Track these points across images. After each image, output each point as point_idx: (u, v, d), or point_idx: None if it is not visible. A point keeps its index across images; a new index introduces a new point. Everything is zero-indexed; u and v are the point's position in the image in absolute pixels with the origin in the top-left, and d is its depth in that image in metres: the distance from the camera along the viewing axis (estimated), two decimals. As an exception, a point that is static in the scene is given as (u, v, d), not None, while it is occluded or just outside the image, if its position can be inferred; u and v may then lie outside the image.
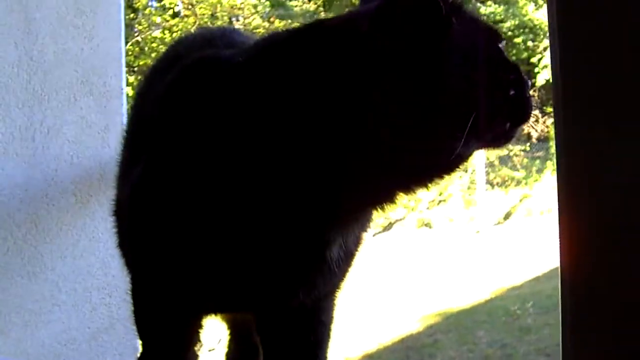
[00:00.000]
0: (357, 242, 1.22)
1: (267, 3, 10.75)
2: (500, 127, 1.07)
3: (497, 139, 1.11)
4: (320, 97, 1.02)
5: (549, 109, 5.82)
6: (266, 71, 1.08)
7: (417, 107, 0.98)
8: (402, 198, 1.09)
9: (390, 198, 1.08)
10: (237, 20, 10.63)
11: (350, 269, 1.25)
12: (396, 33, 0.98)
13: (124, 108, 2.40)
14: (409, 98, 0.98)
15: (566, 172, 0.98)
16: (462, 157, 1.05)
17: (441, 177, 1.08)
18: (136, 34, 10.34)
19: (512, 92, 1.06)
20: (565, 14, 0.97)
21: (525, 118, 1.10)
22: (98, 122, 2.34)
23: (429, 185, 1.09)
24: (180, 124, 1.13)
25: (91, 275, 2.32)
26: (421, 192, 1.11)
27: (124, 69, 2.40)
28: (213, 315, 1.35)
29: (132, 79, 9.49)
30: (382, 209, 1.11)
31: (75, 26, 2.33)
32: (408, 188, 1.07)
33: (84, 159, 2.32)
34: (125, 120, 2.38)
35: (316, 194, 1.05)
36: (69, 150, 2.30)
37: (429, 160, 1.04)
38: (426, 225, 7.78)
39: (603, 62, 0.94)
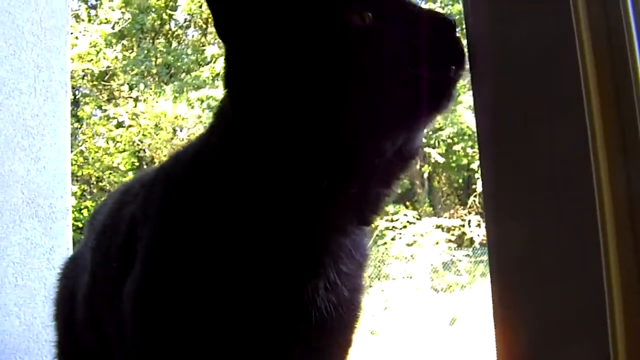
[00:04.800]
0: (354, 288, 1.20)
1: (211, 114, 10.83)
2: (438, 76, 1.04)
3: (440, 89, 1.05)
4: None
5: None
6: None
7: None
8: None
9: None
10: (181, 130, 10.73)
11: (350, 324, 1.23)
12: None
13: (69, 229, 2.41)
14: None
15: (496, 270, 1.03)
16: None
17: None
18: (80, 144, 10.35)
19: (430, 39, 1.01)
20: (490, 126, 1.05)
21: (455, 60, 1.04)
22: (43, 244, 2.34)
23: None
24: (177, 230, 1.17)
25: (33, 401, 2.27)
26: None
27: (70, 190, 2.42)
28: None
29: (75, 188, 9.45)
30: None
31: (22, 148, 2.36)
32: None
33: (29, 280, 2.31)
34: (70, 241, 2.39)
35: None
36: (14, 272, 2.28)
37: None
38: (372, 333, 7.74)
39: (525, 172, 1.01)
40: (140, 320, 1.20)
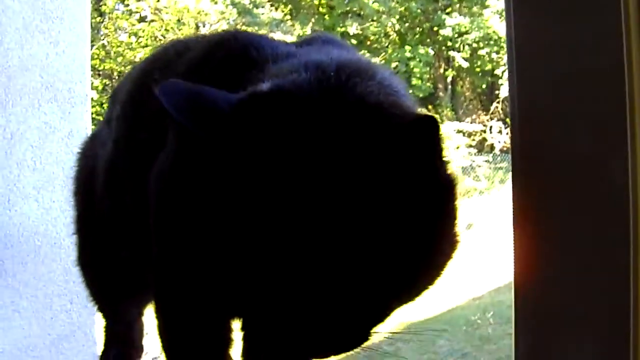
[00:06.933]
0: None
1: (234, 10, 10.74)
2: None
3: None
4: None
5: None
6: None
7: None
8: None
9: None
10: (204, 26, 10.63)
11: None
12: None
13: (88, 114, 2.40)
14: None
15: (520, 183, 1.01)
16: None
17: None
18: (102, 38, 10.29)
19: None
20: (522, 28, 1.01)
21: None
22: (62, 128, 2.33)
23: None
24: None
25: (52, 282, 2.31)
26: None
27: (89, 75, 2.39)
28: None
29: (97, 82, 9.45)
30: None
31: (41, 31, 2.32)
32: None
33: (47, 164, 2.31)
34: (89, 126, 2.38)
35: None
36: (32, 155, 2.29)
37: None
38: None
39: (557, 75, 0.97)
40: (166, 201, 1.14)
